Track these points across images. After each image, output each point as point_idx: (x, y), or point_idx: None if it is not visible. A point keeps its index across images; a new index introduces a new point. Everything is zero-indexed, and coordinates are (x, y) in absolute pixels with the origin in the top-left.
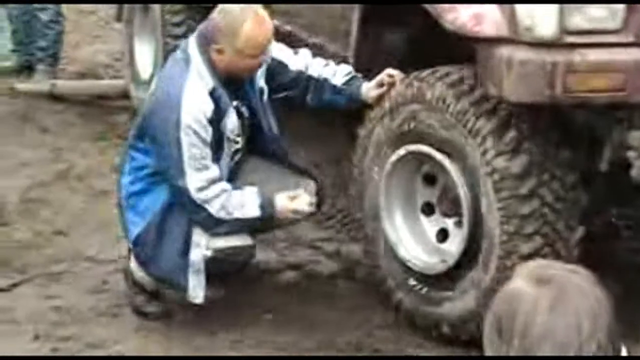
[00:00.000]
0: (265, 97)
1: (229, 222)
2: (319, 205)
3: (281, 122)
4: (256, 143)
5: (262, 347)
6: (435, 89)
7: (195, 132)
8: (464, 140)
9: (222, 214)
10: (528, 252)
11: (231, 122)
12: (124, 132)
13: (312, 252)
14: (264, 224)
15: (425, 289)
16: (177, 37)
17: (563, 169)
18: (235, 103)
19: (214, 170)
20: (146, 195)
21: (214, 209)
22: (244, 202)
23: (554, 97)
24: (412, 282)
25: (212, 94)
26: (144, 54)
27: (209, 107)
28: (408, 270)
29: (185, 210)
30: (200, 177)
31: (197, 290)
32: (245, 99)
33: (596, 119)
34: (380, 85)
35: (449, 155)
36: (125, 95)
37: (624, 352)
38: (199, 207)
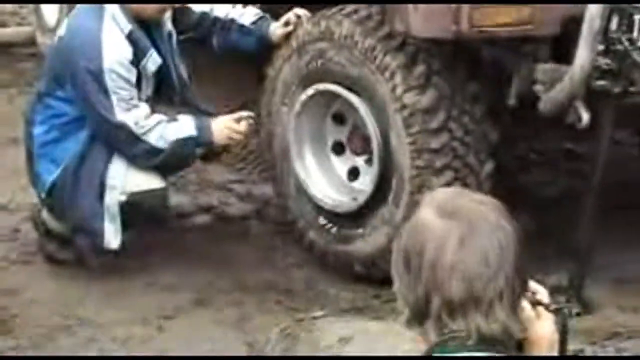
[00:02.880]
0: (174, 41)
1: (168, 150)
2: (228, 147)
3: (189, 67)
4: (164, 90)
5: (176, 288)
6: (343, 26)
7: (120, 75)
8: (373, 77)
9: (161, 143)
10: (439, 186)
11: (153, 62)
12: (32, 79)
13: (223, 194)
14: (205, 149)
15: (335, 228)
16: None
17: (472, 103)
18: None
19: (144, 107)
20: (61, 142)
21: (153, 139)
22: (181, 126)
23: (460, 33)
24: (322, 221)
25: (130, 37)
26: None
27: (128, 50)
28: (318, 209)
29: (123, 148)
30: (132, 115)
31: (112, 236)
32: (154, 44)
33: (503, 54)
34: (287, 24)
35: (358, 93)
36: (32, 42)
37: (531, 285)
38: (137, 140)
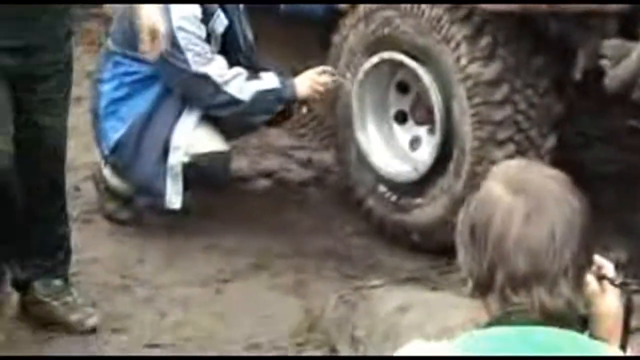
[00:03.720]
0: (241, 4)
1: (249, 102)
2: (290, 113)
3: (255, 31)
4: (230, 52)
5: (235, 251)
6: None
7: (190, 32)
8: (438, 47)
9: (242, 95)
10: (500, 159)
11: (220, 23)
12: (96, 39)
13: (284, 160)
14: (286, 105)
15: (395, 196)
16: None
17: (536, 76)
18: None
19: (221, 59)
20: (129, 100)
21: (233, 89)
22: (264, 80)
23: (527, 5)
24: (382, 189)
25: (203, 20)
26: None
27: (196, 8)
28: (379, 177)
29: (203, 99)
30: (210, 67)
31: (174, 196)
32: (221, 6)
33: (570, 27)
34: None
35: (422, 62)
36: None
37: (596, 260)
38: (218, 90)
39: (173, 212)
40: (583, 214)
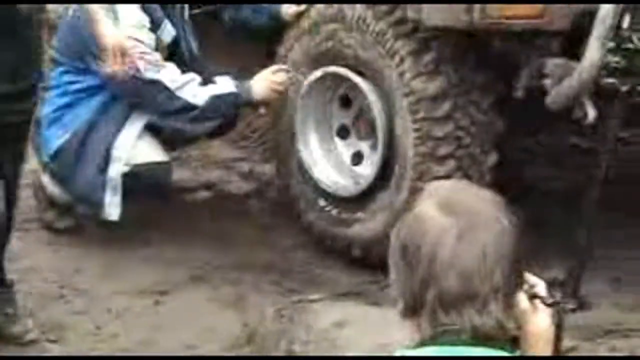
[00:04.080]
0: (186, 14)
1: (204, 106)
2: (232, 124)
3: (200, 41)
4: (175, 62)
5: (174, 263)
6: (356, 8)
7: (140, 40)
8: (383, 61)
9: (196, 100)
10: (441, 175)
11: (167, 33)
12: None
13: (225, 172)
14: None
15: (335, 210)
16: None
17: (479, 93)
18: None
19: (172, 66)
20: (73, 108)
21: (188, 94)
22: (218, 85)
23: (471, 23)
24: (322, 202)
25: (143, 7)
26: None
27: (144, 17)
28: (319, 191)
29: (157, 105)
30: (162, 74)
31: (112, 208)
32: (167, 17)
33: (514, 46)
34: (300, 3)
35: (365, 77)
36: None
37: (528, 279)
38: (172, 96)
39: (113, 222)
40: (514, 235)
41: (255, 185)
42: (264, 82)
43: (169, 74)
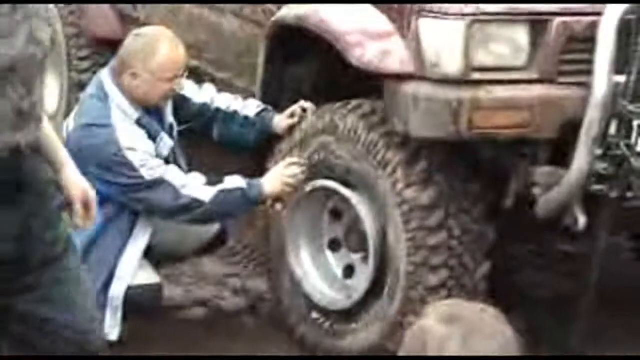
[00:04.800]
0: (175, 133)
1: (210, 202)
2: (224, 240)
3: (188, 157)
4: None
5: None
6: (347, 120)
7: (139, 150)
8: (375, 172)
9: (202, 196)
10: (434, 285)
11: (165, 147)
12: None
13: (217, 288)
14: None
15: (328, 323)
16: (82, 71)
17: (471, 202)
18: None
19: (173, 167)
20: None
21: (193, 192)
22: (227, 182)
23: (459, 133)
24: (314, 315)
25: (139, 122)
26: (49, 88)
27: (141, 132)
28: (311, 304)
29: (162, 205)
30: (166, 175)
31: (112, 327)
32: (164, 130)
33: (502, 155)
34: (292, 116)
35: (356, 189)
36: None
37: None
38: (177, 194)
39: (110, 342)
40: (516, 344)
41: (248, 300)
42: (277, 177)
43: (173, 173)
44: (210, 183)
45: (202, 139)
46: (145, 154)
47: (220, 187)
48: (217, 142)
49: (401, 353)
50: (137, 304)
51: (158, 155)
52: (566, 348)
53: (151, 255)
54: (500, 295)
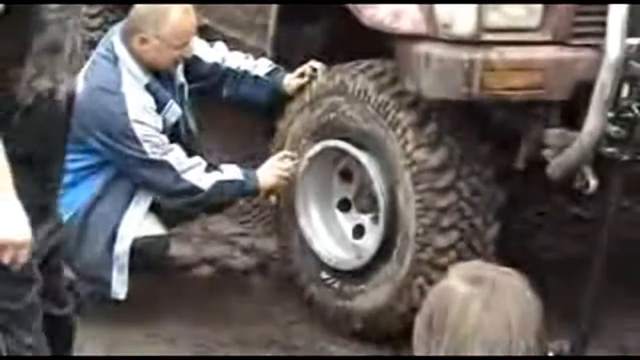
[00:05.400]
0: (186, 94)
1: (208, 190)
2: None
3: (199, 117)
4: (173, 141)
5: (178, 340)
6: (357, 81)
7: (147, 124)
8: (384, 133)
9: (201, 183)
10: (443, 246)
11: (174, 114)
12: None
13: (227, 247)
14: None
15: (337, 283)
16: (93, 28)
17: (481, 163)
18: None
19: (179, 148)
20: (75, 187)
21: (193, 178)
22: (224, 172)
23: (470, 95)
24: (324, 275)
25: (148, 88)
26: None
27: (150, 99)
28: (321, 264)
29: (162, 186)
30: (169, 156)
31: (120, 286)
32: (173, 96)
33: (514, 116)
34: (302, 76)
35: (367, 150)
36: None
37: (550, 353)
38: (177, 178)
39: (117, 300)
40: (538, 309)
41: (257, 260)
42: (271, 170)
43: (176, 156)
44: (209, 169)
45: (213, 98)
46: (152, 128)
47: (219, 176)
48: (226, 101)
49: (423, 312)
50: (144, 255)
51: (166, 122)
52: (577, 313)
53: (159, 213)
54: (510, 258)
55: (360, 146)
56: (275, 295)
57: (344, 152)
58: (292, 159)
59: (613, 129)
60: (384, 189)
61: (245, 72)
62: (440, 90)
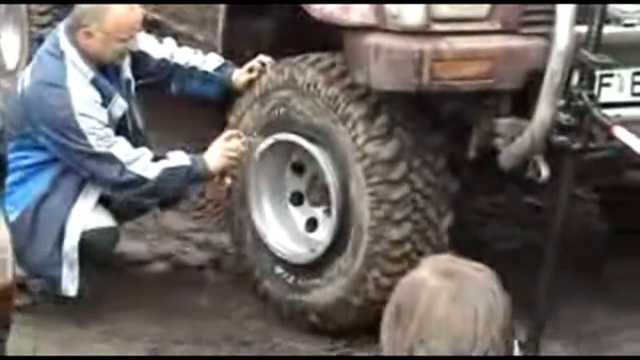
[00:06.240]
0: (132, 89)
1: (155, 179)
2: (187, 195)
3: (147, 113)
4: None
5: (133, 338)
6: (307, 74)
7: (92, 117)
8: (335, 127)
9: (147, 173)
10: (398, 238)
11: (120, 108)
12: None
13: (181, 243)
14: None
15: (292, 278)
16: (42, 25)
17: (433, 154)
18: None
19: (124, 140)
20: (23, 184)
21: (139, 168)
22: (171, 159)
23: (421, 85)
24: (278, 270)
25: (94, 82)
26: (10, 43)
27: (95, 93)
28: (275, 258)
29: (108, 178)
30: (114, 149)
31: (70, 283)
32: (119, 90)
33: (464, 106)
34: (251, 71)
35: (318, 143)
36: None
37: (516, 351)
38: (123, 169)
39: (68, 297)
40: (506, 306)
41: (211, 255)
42: (219, 151)
43: (121, 148)
44: (156, 159)
45: (163, 94)
46: (97, 121)
47: (165, 164)
48: (176, 96)
49: (392, 301)
50: (92, 247)
51: (111, 116)
52: (532, 302)
53: (109, 207)
54: (464, 247)
55: (311, 140)
56: (229, 290)
57: (295, 145)
58: (239, 137)
59: (564, 117)
60: (337, 181)
61: (194, 68)
62: (390, 81)
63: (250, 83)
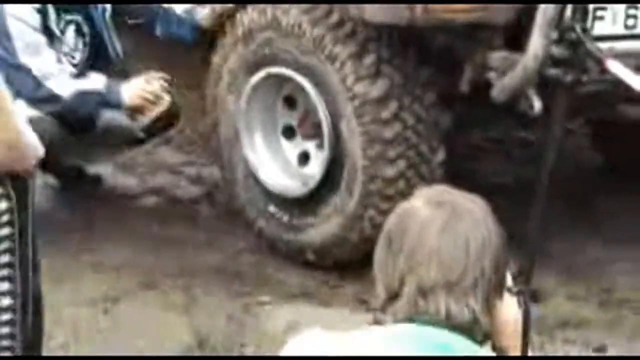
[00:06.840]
0: (108, 15)
1: (69, 100)
2: (174, 122)
3: (139, 46)
4: (100, 60)
5: (124, 270)
6: (290, 15)
7: (22, 20)
8: (323, 67)
9: (62, 92)
10: (392, 176)
11: (70, 37)
12: None
13: (173, 177)
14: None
15: (286, 217)
16: None
17: (423, 90)
18: (73, 18)
19: (51, 54)
20: None
21: (54, 85)
22: (88, 81)
23: (414, 19)
24: (272, 209)
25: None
26: None
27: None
28: (268, 196)
29: (23, 90)
30: (35, 60)
31: None
32: (88, 17)
33: (457, 40)
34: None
35: (309, 77)
36: None
37: (509, 283)
38: (38, 84)
39: (60, 228)
40: (499, 237)
41: (204, 189)
42: (134, 88)
43: (41, 62)
44: (76, 76)
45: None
46: (26, 25)
47: (80, 85)
48: (162, 38)
49: (384, 230)
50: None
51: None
52: (523, 236)
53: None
54: (457, 182)
55: (302, 74)
56: (222, 224)
57: (287, 79)
58: (161, 79)
59: (557, 50)
60: (328, 118)
61: (169, 10)
62: (384, 14)
63: (231, 23)
